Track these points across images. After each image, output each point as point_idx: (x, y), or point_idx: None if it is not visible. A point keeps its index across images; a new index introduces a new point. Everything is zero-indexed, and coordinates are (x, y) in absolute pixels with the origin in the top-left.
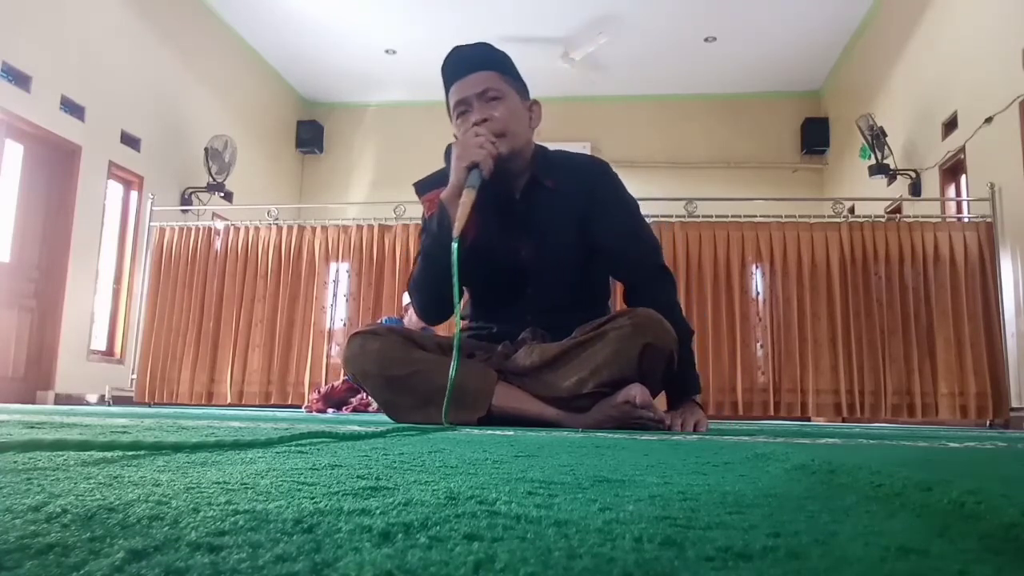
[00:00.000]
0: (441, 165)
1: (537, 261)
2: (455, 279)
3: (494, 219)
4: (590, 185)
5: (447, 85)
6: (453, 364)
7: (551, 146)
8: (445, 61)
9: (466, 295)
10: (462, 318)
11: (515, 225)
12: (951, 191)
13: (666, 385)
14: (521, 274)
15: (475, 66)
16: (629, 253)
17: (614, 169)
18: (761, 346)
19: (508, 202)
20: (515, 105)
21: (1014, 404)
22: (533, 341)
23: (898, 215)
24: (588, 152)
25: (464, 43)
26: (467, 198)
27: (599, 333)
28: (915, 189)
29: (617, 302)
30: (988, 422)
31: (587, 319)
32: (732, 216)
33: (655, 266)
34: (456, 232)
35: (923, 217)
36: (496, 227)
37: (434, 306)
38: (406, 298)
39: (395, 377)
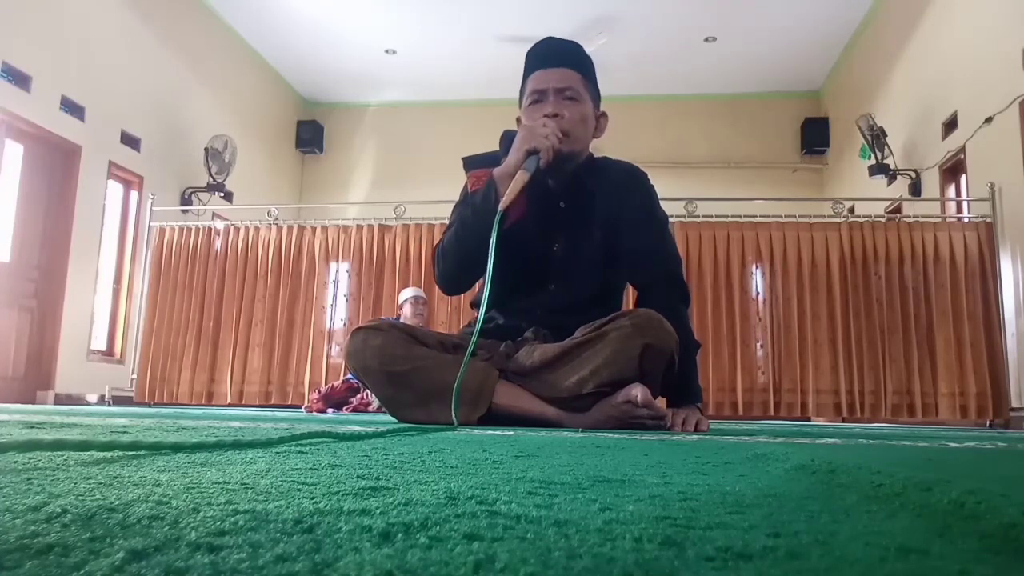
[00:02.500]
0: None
1: (566, 258)
2: (492, 249)
3: (536, 211)
4: (625, 190)
5: (529, 70)
6: (466, 359)
7: None
8: (534, 46)
9: (480, 282)
10: (472, 305)
11: (553, 221)
12: (951, 191)
13: (666, 388)
14: (547, 268)
15: (563, 61)
16: (648, 257)
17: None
18: (761, 346)
19: (552, 197)
20: (587, 110)
21: (1014, 404)
22: (535, 341)
23: (898, 215)
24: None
25: (557, 36)
26: (521, 178)
27: (600, 333)
28: (915, 189)
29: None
30: (988, 422)
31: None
32: (732, 216)
33: (670, 274)
34: (504, 204)
35: (923, 217)
36: (536, 219)
37: (459, 274)
38: (401, 297)
39: (396, 373)
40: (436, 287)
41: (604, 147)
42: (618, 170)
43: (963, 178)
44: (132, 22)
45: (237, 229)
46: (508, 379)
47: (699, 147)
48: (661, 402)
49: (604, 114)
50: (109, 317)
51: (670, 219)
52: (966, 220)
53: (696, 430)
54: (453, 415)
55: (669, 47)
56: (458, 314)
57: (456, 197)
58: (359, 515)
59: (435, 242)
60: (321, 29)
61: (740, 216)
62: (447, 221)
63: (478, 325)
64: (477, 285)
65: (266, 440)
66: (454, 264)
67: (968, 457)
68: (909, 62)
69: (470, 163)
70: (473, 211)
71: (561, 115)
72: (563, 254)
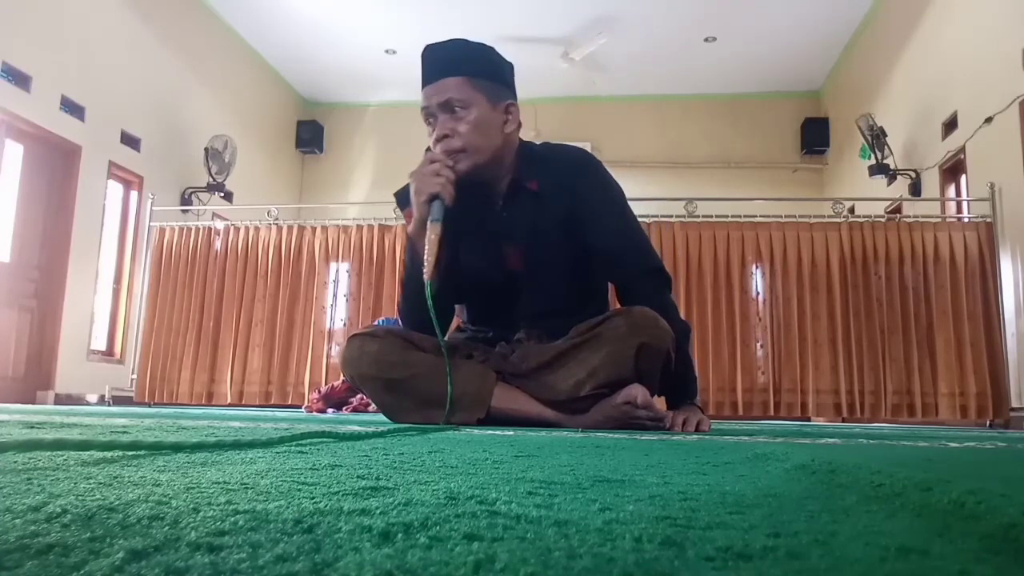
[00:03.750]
0: None
1: (526, 267)
2: (432, 314)
3: (476, 232)
4: (573, 181)
5: (422, 86)
6: (449, 388)
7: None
8: (421, 59)
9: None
10: (458, 317)
11: (499, 233)
12: (951, 191)
13: (663, 386)
14: (511, 282)
15: (442, 71)
16: (620, 253)
17: (606, 165)
18: (761, 346)
19: (490, 212)
20: (482, 115)
21: (1014, 404)
22: (529, 341)
23: (898, 215)
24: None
25: (438, 41)
26: (432, 234)
27: (595, 334)
28: (915, 189)
29: (612, 302)
30: (988, 422)
31: (583, 320)
32: (732, 216)
33: (647, 266)
34: (428, 274)
35: (923, 217)
36: (479, 239)
37: (422, 326)
38: None
39: (393, 379)
40: None
41: (605, 146)
42: (561, 157)
43: (963, 178)
44: (132, 22)
45: (237, 229)
46: (506, 381)
47: (699, 147)
48: (660, 401)
49: (512, 103)
50: (109, 317)
51: (668, 219)
52: (966, 220)
53: (698, 429)
54: (445, 416)
55: (669, 47)
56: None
57: None
58: (359, 515)
59: None
60: (321, 29)
61: (740, 216)
62: None
63: (444, 346)
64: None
65: (266, 440)
66: (413, 322)
67: (968, 457)
68: (909, 62)
69: (402, 199)
70: (408, 272)
71: (451, 132)
72: (521, 263)
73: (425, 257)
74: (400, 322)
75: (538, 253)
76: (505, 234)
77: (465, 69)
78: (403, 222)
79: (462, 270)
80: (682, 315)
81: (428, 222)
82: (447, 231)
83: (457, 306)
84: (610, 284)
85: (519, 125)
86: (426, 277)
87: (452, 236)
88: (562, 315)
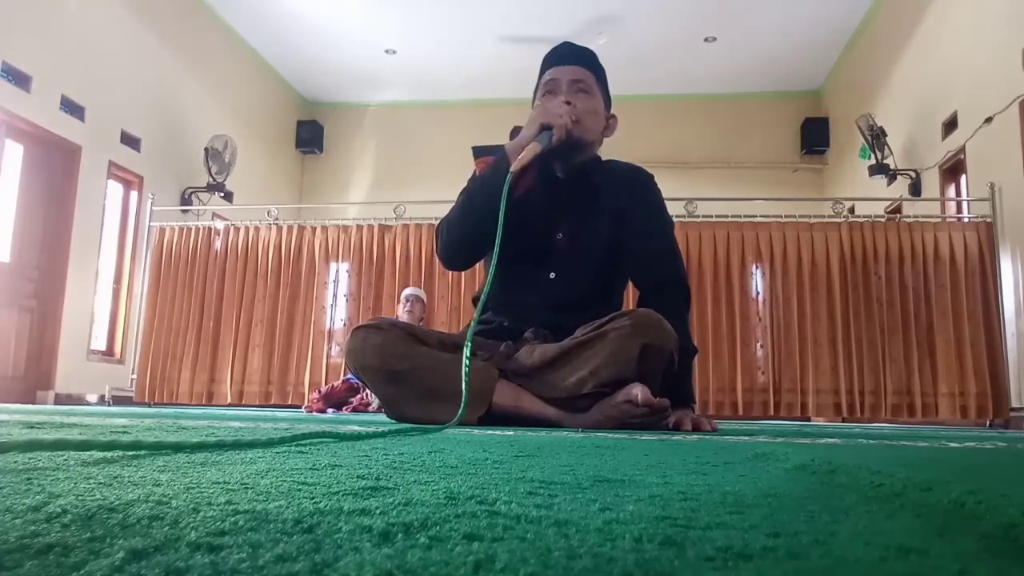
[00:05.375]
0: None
1: (569, 247)
2: (502, 211)
3: (542, 192)
4: (632, 189)
5: (545, 68)
6: (465, 355)
7: None
8: (553, 49)
9: (482, 280)
10: (473, 301)
11: (558, 207)
12: (951, 191)
13: (664, 388)
14: (550, 255)
15: (579, 60)
16: (654, 256)
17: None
18: (761, 346)
19: (558, 184)
20: (598, 106)
21: (1014, 404)
22: (535, 341)
23: (898, 215)
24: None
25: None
26: (533, 147)
27: (599, 333)
28: (915, 189)
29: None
30: (988, 422)
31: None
32: (732, 216)
33: (677, 277)
34: (516, 167)
35: (923, 217)
36: (541, 200)
37: (467, 245)
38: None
39: (396, 372)
40: (435, 288)
41: (605, 146)
42: (626, 170)
43: (963, 178)
44: (132, 22)
45: (237, 229)
46: (508, 379)
47: (699, 147)
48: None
49: (614, 116)
50: (109, 317)
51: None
52: (966, 220)
53: (699, 429)
54: (460, 413)
55: (669, 47)
56: (458, 314)
57: (455, 197)
58: (359, 515)
59: (435, 242)
60: (321, 29)
61: (740, 216)
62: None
63: (476, 316)
64: (478, 276)
65: (266, 440)
66: (459, 234)
67: (968, 457)
68: (909, 62)
69: (479, 151)
70: (482, 183)
71: (574, 104)
72: (566, 242)
73: (519, 157)
74: (441, 248)
75: (582, 237)
76: (561, 210)
77: (595, 70)
78: (403, 222)
79: (519, 218)
80: None
81: (534, 141)
82: (538, 160)
83: (478, 292)
84: (630, 296)
85: (611, 136)
86: (514, 168)
87: (535, 174)
88: (579, 310)
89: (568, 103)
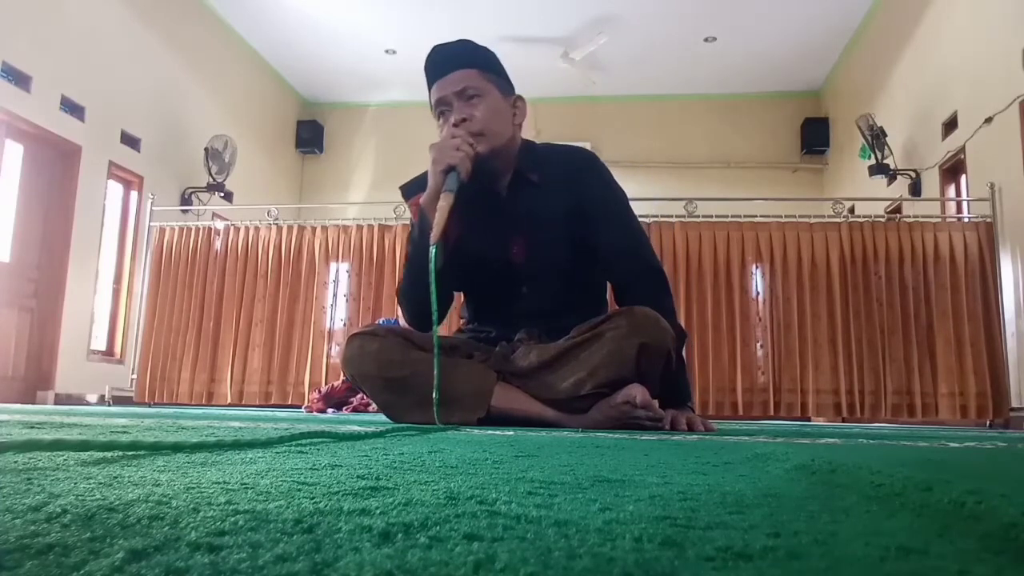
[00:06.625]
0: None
1: (528, 258)
2: (432, 284)
3: (481, 218)
4: (576, 177)
5: (429, 84)
6: (436, 371)
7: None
8: (426, 60)
9: (460, 297)
10: (461, 317)
11: (503, 223)
12: (951, 191)
13: (662, 387)
14: (513, 272)
15: (455, 64)
16: (621, 251)
17: (606, 165)
18: (761, 346)
19: (494, 200)
20: (496, 103)
21: (1014, 404)
22: (529, 341)
23: (898, 215)
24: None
25: (445, 41)
26: (444, 202)
27: (596, 334)
28: (915, 189)
29: (611, 304)
30: (988, 422)
31: (583, 321)
32: (732, 216)
33: (648, 266)
34: (434, 237)
35: (923, 217)
36: (484, 226)
37: (422, 314)
38: None
39: (394, 378)
40: None
41: (605, 146)
42: (563, 154)
43: (963, 178)
44: (132, 22)
45: (237, 229)
46: (506, 381)
47: (699, 147)
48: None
49: (520, 97)
50: (109, 317)
51: (668, 219)
52: (966, 220)
53: (695, 430)
54: (435, 415)
55: (669, 47)
56: (458, 314)
57: None
58: (359, 515)
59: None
60: (321, 29)
61: (740, 216)
62: None
63: (436, 347)
64: (458, 300)
65: (266, 440)
66: (415, 304)
67: (968, 457)
68: (909, 62)
69: (408, 191)
70: (414, 248)
71: (469, 117)
72: (523, 256)
73: (435, 222)
74: (400, 317)
75: (539, 245)
76: (508, 224)
77: (477, 63)
78: (403, 222)
79: (467, 254)
80: (682, 315)
81: (442, 192)
82: (457, 206)
83: (462, 305)
84: (608, 286)
85: (524, 119)
86: (433, 240)
87: (460, 217)
88: (561, 314)
89: (463, 120)
